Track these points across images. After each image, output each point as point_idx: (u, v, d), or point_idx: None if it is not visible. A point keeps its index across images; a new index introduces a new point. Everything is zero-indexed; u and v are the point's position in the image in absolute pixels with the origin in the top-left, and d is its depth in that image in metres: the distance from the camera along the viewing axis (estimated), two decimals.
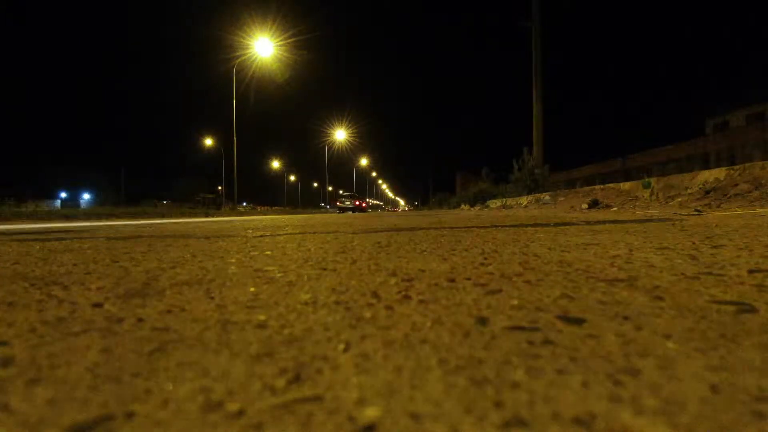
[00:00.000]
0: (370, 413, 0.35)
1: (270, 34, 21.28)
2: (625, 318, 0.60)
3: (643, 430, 0.32)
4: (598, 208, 6.53)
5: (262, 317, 0.65)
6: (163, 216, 13.82)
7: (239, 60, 21.39)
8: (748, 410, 0.34)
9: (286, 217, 9.98)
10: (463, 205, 18.27)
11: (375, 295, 0.80)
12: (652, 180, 6.98)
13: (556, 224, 2.88)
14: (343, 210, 28.99)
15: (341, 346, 0.51)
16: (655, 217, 3.50)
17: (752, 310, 0.63)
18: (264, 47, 21.24)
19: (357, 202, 31.53)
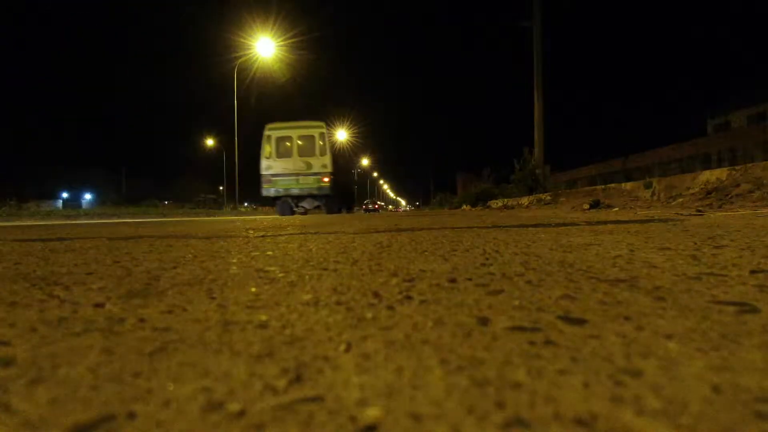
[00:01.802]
0: (372, 413, 0.35)
1: (271, 35, 21.35)
2: (627, 318, 0.60)
3: (644, 431, 0.32)
4: (600, 209, 6.52)
5: (263, 317, 0.65)
6: (164, 216, 13.85)
7: (241, 60, 21.45)
8: (750, 411, 0.34)
9: (287, 217, 10.00)
10: (464, 206, 18.27)
11: (376, 295, 0.80)
12: (654, 180, 6.97)
13: (558, 224, 2.87)
14: (367, 210, 39.98)
15: (342, 347, 0.51)
16: (656, 217, 3.49)
17: (754, 310, 0.63)
18: (265, 47, 21.28)
19: (374, 205, 47.13)
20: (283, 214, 12.05)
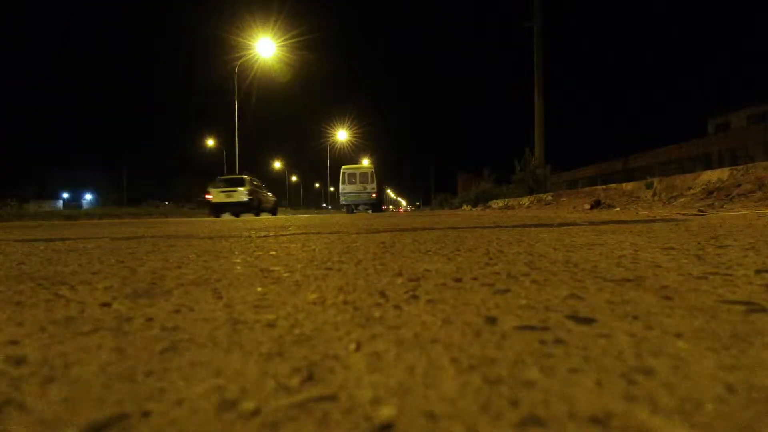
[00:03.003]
0: (386, 412, 0.35)
1: (272, 35, 21.37)
2: (635, 318, 0.60)
3: (661, 429, 0.32)
4: (601, 209, 6.52)
5: (271, 317, 0.65)
6: (166, 216, 13.86)
7: (241, 60, 21.45)
8: (766, 409, 0.34)
9: (288, 217, 10.00)
10: (465, 206, 18.46)
11: (382, 294, 0.80)
12: (655, 180, 6.96)
13: (560, 224, 2.87)
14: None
15: (352, 346, 0.51)
16: (658, 217, 3.49)
17: (762, 309, 0.63)
18: (266, 48, 21.28)
19: (382, 206, 49.20)
20: (349, 212, 20.84)
